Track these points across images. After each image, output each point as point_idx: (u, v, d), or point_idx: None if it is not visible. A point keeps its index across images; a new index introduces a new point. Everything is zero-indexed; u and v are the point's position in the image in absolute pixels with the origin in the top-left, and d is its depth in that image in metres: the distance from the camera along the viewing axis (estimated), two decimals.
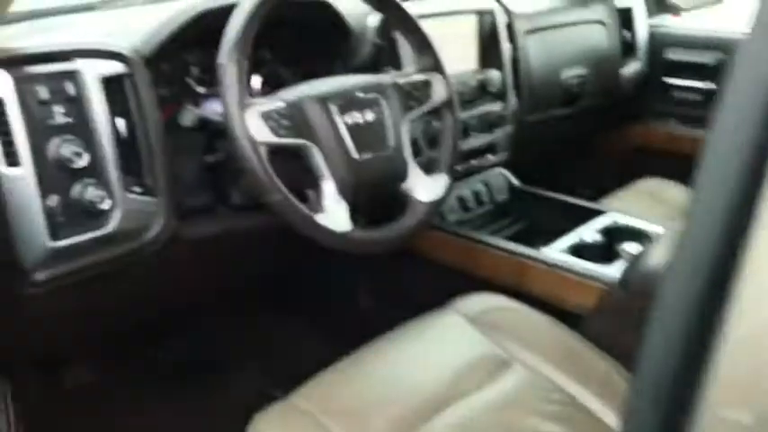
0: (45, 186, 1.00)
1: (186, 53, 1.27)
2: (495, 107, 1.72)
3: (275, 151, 1.06)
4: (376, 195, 1.21)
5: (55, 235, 1.01)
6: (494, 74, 1.69)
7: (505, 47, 1.73)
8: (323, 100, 1.11)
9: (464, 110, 1.61)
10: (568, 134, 2.17)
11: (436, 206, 1.23)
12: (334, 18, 1.38)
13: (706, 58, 2.15)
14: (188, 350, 1.84)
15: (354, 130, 1.12)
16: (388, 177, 1.19)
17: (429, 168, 1.26)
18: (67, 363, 1.66)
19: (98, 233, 1.06)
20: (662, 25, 2.24)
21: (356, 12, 1.41)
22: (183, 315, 1.74)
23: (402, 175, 1.20)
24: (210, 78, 1.28)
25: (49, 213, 1.01)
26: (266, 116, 1.05)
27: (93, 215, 1.05)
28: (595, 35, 2.06)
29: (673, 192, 2.05)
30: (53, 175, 1.01)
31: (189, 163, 1.25)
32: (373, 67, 1.42)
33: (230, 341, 1.86)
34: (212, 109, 1.21)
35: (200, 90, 1.30)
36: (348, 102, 1.13)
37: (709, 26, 2.26)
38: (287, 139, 1.07)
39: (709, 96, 2.17)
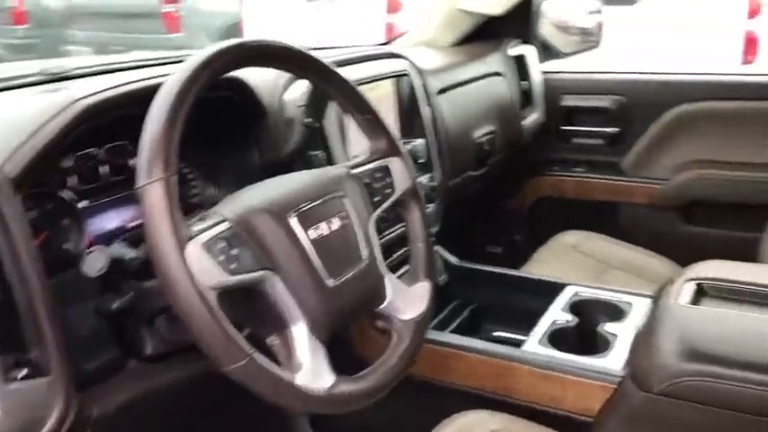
0: None
1: (62, 159, 0.93)
2: (424, 179, 1.50)
3: (226, 293, 0.76)
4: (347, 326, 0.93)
5: None
6: (419, 143, 1.47)
7: (426, 111, 1.53)
8: (278, 211, 0.83)
9: None
10: (478, 194, 2.00)
11: (425, 324, 0.97)
12: (250, 98, 1.09)
13: (604, 102, 2.08)
14: None
15: (322, 245, 0.85)
16: (366, 301, 0.92)
17: (405, 277, 1.00)
18: None
19: None
20: (556, 71, 2.16)
21: (273, 86, 1.13)
22: None
23: (380, 293, 0.93)
24: (95, 186, 0.96)
25: None
26: (209, 247, 0.75)
27: None
28: (497, 88, 1.92)
29: (596, 244, 1.94)
30: None
31: (81, 312, 0.90)
32: (298, 154, 1.15)
33: None
34: (119, 248, 0.88)
35: (82, 205, 0.97)
36: (308, 209, 0.85)
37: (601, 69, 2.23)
38: (243, 274, 0.77)
39: (612, 140, 2.10)
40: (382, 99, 1.44)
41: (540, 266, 1.83)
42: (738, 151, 1.93)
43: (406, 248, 1.06)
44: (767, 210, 1.72)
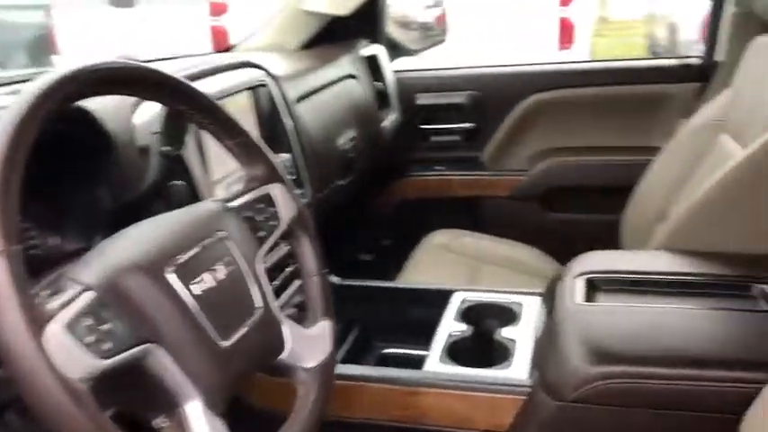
0: None
1: None
2: None
3: (101, 378, 0.61)
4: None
5: None
6: (286, 158, 1.36)
7: (288, 123, 1.41)
8: (151, 268, 0.68)
9: None
10: (345, 203, 1.91)
11: (331, 368, 0.86)
12: (92, 127, 0.92)
13: (458, 98, 2.07)
14: None
15: (208, 301, 0.71)
16: (264, 354, 0.79)
17: (301, 317, 0.89)
18: None
19: None
20: (408, 70, 2.12)
21: (118, 110, 0.97)
22: None
23: (279, 343, 0.81)
24: None
25: None
26: (73, 327, 0.59)
27: None
28: (353, 91, 1.84)
29: (466, 241, 1.92)
30: None
31: None
32: (155, 189, 1.00)
33: None
34: None
35: None
36: (187, 259, 0.72)
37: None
38: (119, 355, 0.62)
39: (469, 136, 2.09)
40: (240, 114, 1.30)
41: (418, 272, 1.78)
42: (591, 136, 1.99)
43: (299, 285, 0.95)
44: (624, 192, 1.77)
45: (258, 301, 0.78)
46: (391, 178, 2.13)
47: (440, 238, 1.94)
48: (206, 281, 0.72)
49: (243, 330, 0.74)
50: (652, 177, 1.72)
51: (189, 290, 0.70)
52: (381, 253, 2.15)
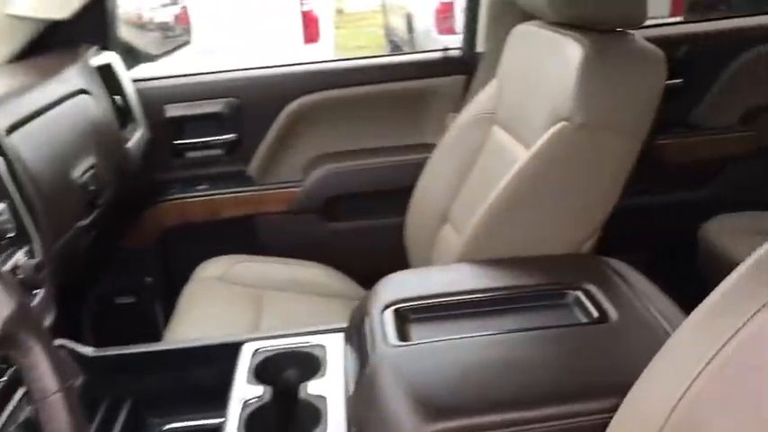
0: None
1: None
2: (20, 258, 1.06)
3: None
4: None
5: None
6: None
7: None
8: None
9: None
10: (92, 244, 1.58)
11: None
12: None
13: (215, 106, 1.83)
14: None
15: None
16: None
17: None
18: None
19: None
20: (152, 78, 1.83)
21: None
22: None
23: None
24: None
25: None
26: None
27: None
28: (86, 109, 1.52)
29: (244, 268, 1.72)
30: None
31: None
32: None
33: None
34: None
35: None
36: None
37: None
38: None
39: (232, 148, 1.87)
40: None
41: (191, 314, 1.53)
42: (365, 138, 1.87)
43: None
44: (406, 193, 1.67)
45: None
46: (146, 205, 1.83)
47: (213, 269, 1.70)
48: None
49: None
50: (430, 176, 1.65)
51: None
52: (144, 293, 1.85)
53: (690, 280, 1.51)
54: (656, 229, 1.81)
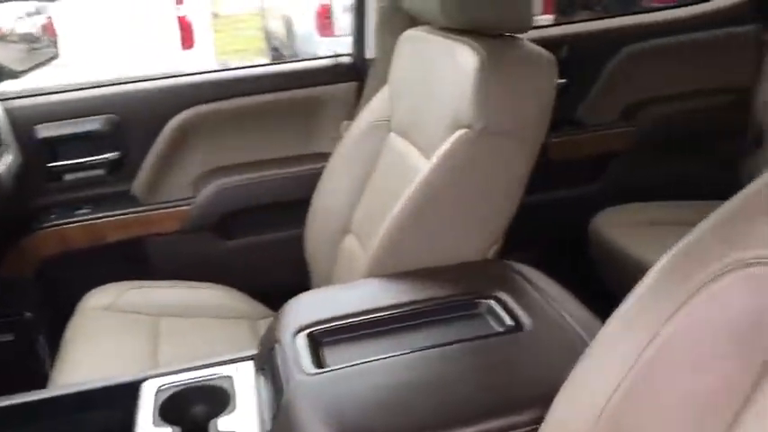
0: None
1: None
2: None
3: None
4: None
5: None
6: None
7: None
8: None
9: None
10: None
11: None
12: None
13: (91, 124, 1.71)
14: None
15: None
16: None
17: None
18: None
19: None
20: (17, 97, 1.68)
21: None
22: None
23: None
24: None
25: None
26: None
27: None
28: None
29: (133, 294, 1.62)
30: None
31: None
32: None
33: None
34: None
35: None
36: None
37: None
38: None
39: (114, 167, 1.75)
40: None
41: (80, 351, 1.42)
42: (257, 150, 1.81)
43: None
44: (303, 205, 1.62)
45: None
46: (20, 235, 1.68)
47: (100, 298, 1.59)
48: None
49: None
50: (328, 186, 1.61)
51: None
52: (25, 330, 1.69)
53: (581, 273, 1.56)
54: (548, 226, 1.86)
